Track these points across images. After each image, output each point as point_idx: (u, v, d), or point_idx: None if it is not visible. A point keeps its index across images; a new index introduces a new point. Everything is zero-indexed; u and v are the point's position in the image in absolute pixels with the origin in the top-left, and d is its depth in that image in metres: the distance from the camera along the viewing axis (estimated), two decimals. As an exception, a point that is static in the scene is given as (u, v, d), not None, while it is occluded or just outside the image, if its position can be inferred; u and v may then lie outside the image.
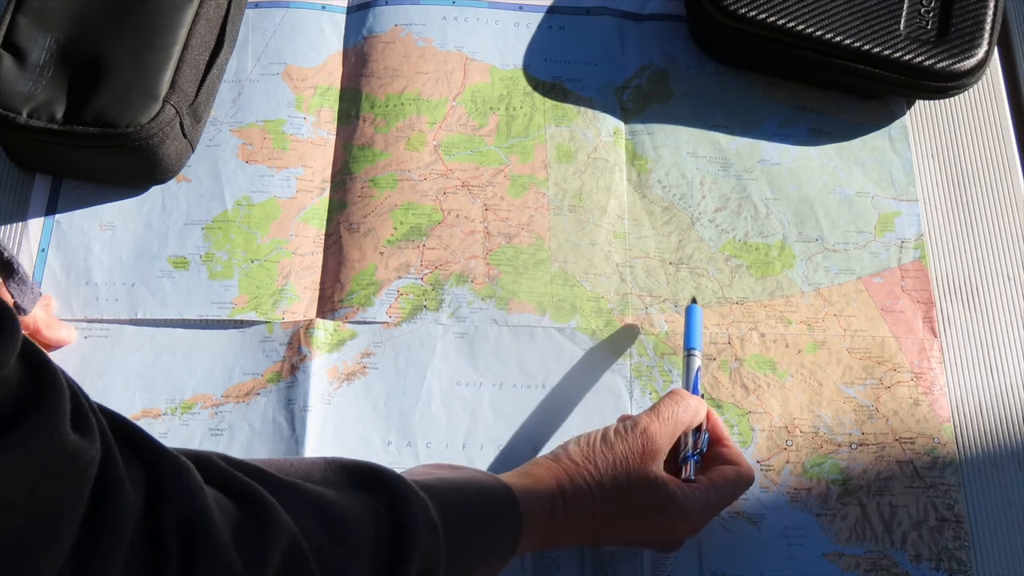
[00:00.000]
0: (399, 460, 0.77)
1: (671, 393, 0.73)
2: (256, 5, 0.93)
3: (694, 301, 0.80)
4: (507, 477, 0.68)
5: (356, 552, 0.55)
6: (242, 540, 0.49)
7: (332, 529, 0.54)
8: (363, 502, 0.57)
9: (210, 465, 0.52)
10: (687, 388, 0.75)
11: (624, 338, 0.81)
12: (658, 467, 0.70)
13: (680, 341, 0.81)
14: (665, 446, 0.70)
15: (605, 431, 0.71)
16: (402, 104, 0.90)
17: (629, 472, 0.68)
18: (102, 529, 0.45)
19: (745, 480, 0.72)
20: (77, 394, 0.45)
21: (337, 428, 0.77)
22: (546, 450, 0.77)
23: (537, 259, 0.84)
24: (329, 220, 0.85)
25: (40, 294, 0.76)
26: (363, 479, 0.59)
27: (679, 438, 0.72)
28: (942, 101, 0.91)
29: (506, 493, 0.65)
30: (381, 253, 0.84)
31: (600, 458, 0.69)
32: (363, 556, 0.55)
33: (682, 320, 0.81)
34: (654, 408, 0.72)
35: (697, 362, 0.77)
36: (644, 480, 0.68)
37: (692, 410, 0.72)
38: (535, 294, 0.83)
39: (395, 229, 0.85)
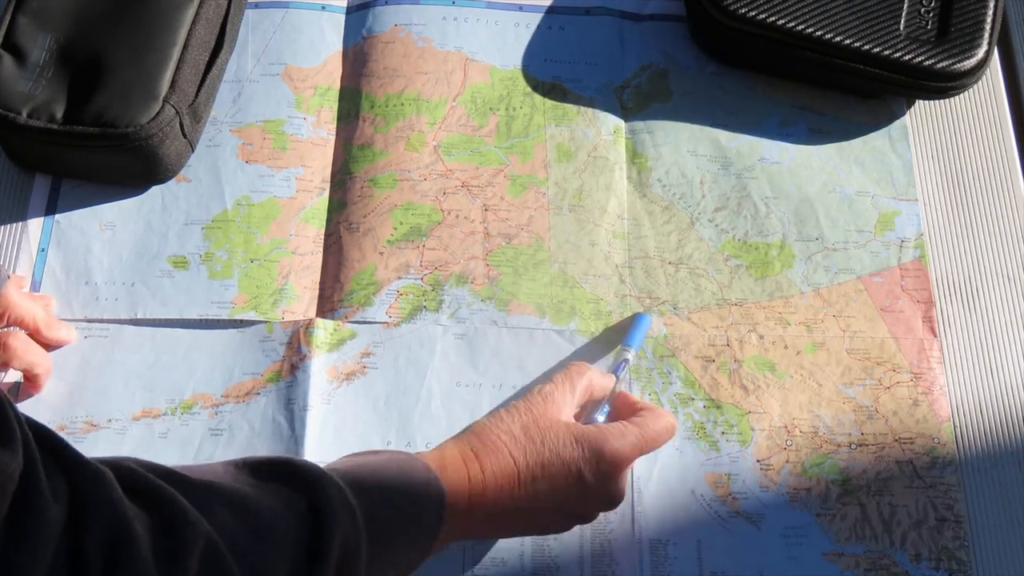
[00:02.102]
0: (399, 460, 0.77)
1: (569, 364, 0.74)
2: (256, 5, 0.93)
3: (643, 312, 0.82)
4: (421, 455, 0.67)
5: (275, 542, 0.54)
6: (159, 549, 0.49)
7: (248, 522, 0.54)
8: (276, 493, 0.57)
9: (123, 470, 0.52)
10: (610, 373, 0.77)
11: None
12: (567, 418, 0.70)
13: (678, 344, 0.81)
14: (564, 402, 0.71)
15: (503, 405, 0.72)
16: (402, 104, 0.90)
17: (537, 420, 0.68)
18: (21, 542, 0.44)
19: (664, 419, 0.72)
20: (2, 404, 0.44)
21: (337, 428, 0.77)
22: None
23: (537, 260, 0.84)
24: (329, 220, 0.85)
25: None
26: (274, 472, 0.59)
27: (582, 408, 0.73)
28: (942, 101, 0.91)
29: (424, 468, 0.65)
30: (381, 253, 0.84)
31: (505, 415, 0.69)
32: (283, 545, 0.55)
33: (681, 323, 0.82)
34: (547, 376, 0.75)
35: (627, 356, 0.77)
36: (555, 424, 0.68)
37: (588, 375, 0.73)
38: (535, 296, 0.83)
39: (395, 229, 0.85)
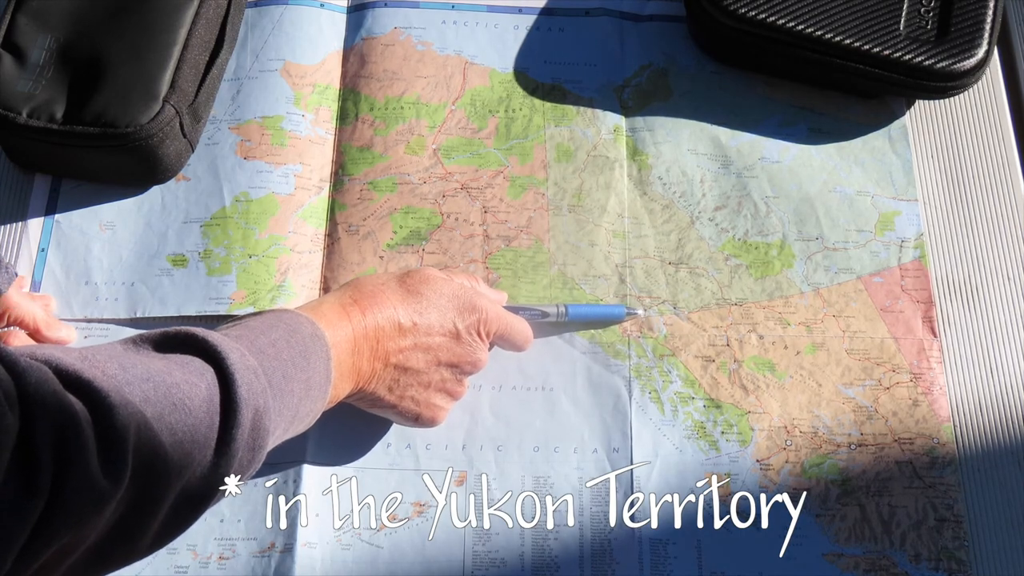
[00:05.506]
0: (399, 461, 0.77)
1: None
2: (255, 3, 0.93)
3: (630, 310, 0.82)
4: (301, 309, 0.69)
5: (193, 409, 0.56)
6: (99, 435, 0.50)
7: (167, 394, 0.55)
8: (183, 363, 0.58)
9: (51, 363, 0.53)
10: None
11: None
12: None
13: (678, 344, 0.81)
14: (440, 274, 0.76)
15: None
16: (401, 108, 0.90)
17: (412, 274, 0.73)
18: None
19: (529, 329, 0.78)
20: None
21: (336, 428, 0.77)
22: (546, 451, 0.78)
23: (536, 262, 0.84)
24: (328, 220, 0.85)
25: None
26: (175, 343, 0.60)
27: None
28: (942, 101, 0.91)
29: (309, 322, 0.67)
30: (381, 257, 0.84)
31: (383, 273, 0.74)
32: (200, 412, 0.56)
33: (681, 322, 0.82)
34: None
35: (551, 311, 0.80)
36: (432, 277, 0.73)
37: (480, 283, 0.78)
38: (534, 298, 0.83)
39: (395, 233, 0.85)
